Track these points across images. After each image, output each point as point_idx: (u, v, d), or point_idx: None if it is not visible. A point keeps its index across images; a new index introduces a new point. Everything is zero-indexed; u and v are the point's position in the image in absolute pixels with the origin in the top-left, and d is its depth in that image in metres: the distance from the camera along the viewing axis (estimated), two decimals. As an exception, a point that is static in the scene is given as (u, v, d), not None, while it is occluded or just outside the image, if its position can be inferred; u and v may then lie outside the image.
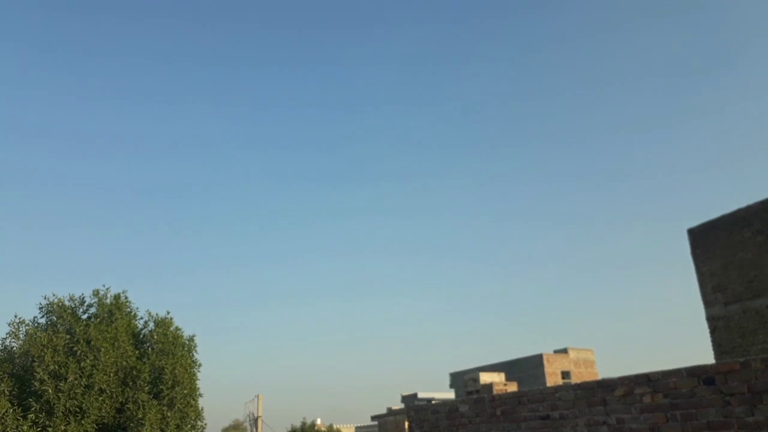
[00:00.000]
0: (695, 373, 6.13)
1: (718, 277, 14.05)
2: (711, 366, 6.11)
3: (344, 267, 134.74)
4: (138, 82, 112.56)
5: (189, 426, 16.16)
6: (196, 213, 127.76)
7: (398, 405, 56.31)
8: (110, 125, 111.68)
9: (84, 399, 14.09)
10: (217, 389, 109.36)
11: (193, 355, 16.76)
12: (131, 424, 14.55)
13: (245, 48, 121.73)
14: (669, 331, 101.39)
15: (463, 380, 34.77)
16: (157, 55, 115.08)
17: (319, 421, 65.46)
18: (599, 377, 45.92)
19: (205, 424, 18.07)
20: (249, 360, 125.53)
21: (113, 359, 14.89)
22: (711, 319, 14.17)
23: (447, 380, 53.54)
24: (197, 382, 16.56)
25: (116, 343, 15.16)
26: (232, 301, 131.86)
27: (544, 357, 43.64)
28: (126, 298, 16.64)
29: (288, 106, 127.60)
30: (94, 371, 14.39)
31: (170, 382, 15.42)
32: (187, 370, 15.98)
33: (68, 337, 14.70)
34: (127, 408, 14.75)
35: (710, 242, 14.45)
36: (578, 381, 43.50)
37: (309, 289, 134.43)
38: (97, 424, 14.36)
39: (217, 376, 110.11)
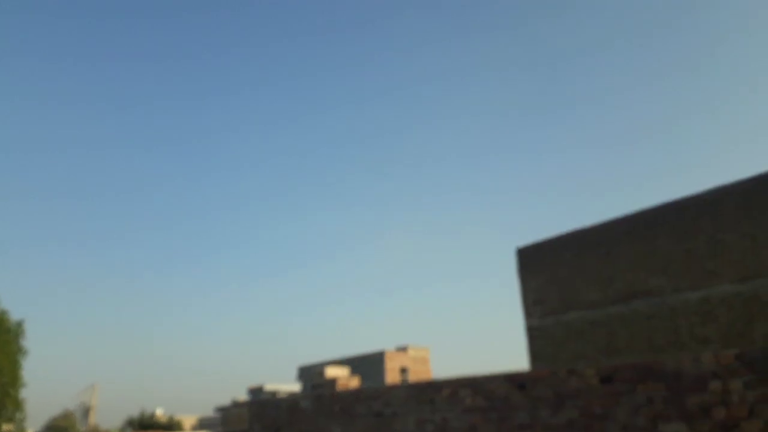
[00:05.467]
0: (511, 379, 6.95)
1: (538, 293, 15.80)
2: (524, 373, 6.97)
3: (192, 250, 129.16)
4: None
5: (5, 419, 14.73)
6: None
7: (245, 397, 55.31)
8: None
9: None
10: (48, 377, 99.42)
11: (19, 341, 15.24)
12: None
13: None
14: (496, 336, 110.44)
15: (310, 374, 35.21)
16: None
17: (159, 412, 61.95)
18: (432, 374, 48.92)
19: (25, 417, 16.55)
20: (85, 347, 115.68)
21: None
22: (530, 329, 15.87)
23: (295, 373, 53.75)
24: (21, 371, 15.08)
25: None
26: (66, 284, 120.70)
27: (386, 354, 45.64)
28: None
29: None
30: None
31: (-14, 371, 13.96)
32: (9, 357, 14.51)
33: None
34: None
35: (535, 261, 16.19)
36: (415, 377, 46.00)
37: (150, 274, 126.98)
38: None
39: (49, 363, 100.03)
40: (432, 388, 7.74)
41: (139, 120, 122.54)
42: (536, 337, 15.32)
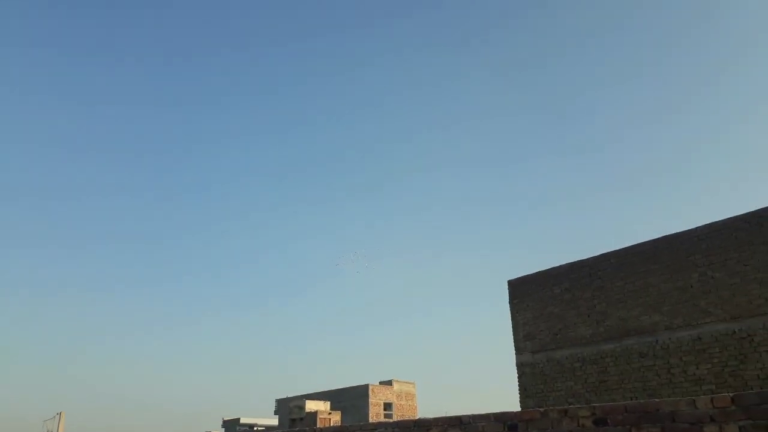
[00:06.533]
0: (501, 418, 6.65)
1: (529, 327, 15.51)
2: (515, 413, 6.68)
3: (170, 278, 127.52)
4: None
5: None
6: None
7: (219, 430, 53.87)
8: None
9: None
10: (14, 404, 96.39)
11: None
12: None
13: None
14: (484, 370, 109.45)
15: (289, 407, 34.30)
16: None
17: (130, 444, 60.13)
18: (418, 410, 47.99)
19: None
20: (51, 373, 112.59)
21: None
22: (520, 365, 15.52)
23: (273, 406, 52.40)
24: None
25: None
26: (34, 308, 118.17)
27: (370, 388, 44.60)
28: None
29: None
30: None
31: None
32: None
33: None
34: None
35: (525, 294, 15.94)
36: (399, 412, 45.07)
37: (123, 300, 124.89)
38: None
39: (14, 390, 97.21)
40: (419, 427, 7.41)
41: (118, 125, 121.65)
42: (527, 374, 15.00)
